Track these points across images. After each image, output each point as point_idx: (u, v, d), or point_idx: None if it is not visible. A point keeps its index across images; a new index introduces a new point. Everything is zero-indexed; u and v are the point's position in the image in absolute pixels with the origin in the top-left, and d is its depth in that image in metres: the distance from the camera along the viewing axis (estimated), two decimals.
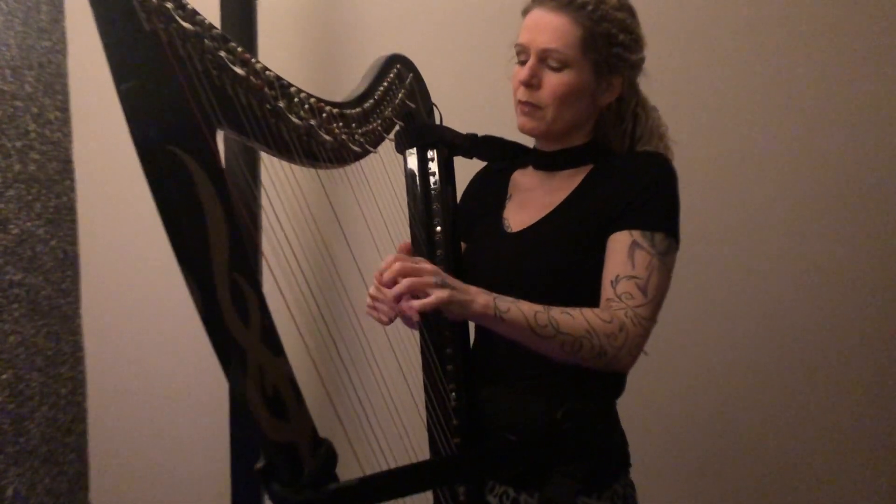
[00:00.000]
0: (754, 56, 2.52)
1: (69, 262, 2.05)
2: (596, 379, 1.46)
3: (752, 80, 2.52)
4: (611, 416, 1.61)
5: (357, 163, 1.40)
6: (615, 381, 1.57)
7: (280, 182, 1.36)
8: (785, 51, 2.52)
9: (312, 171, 1.38)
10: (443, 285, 1.29)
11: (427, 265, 1.31)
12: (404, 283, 1.27)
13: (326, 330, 1.32)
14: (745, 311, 2.60)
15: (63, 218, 2.05)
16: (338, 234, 1.57)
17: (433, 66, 2.52)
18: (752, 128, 2.53)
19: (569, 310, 1.38)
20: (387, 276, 1.28)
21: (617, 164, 1.56)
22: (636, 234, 1.44)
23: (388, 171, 1.56)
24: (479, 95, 2.22)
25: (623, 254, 1.44)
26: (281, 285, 1.28)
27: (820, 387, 2.59)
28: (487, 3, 2.36)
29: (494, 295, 1.35)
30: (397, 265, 1.27)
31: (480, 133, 1.70)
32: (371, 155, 1.47)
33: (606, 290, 1.44)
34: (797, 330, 2.57)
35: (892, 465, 2.62)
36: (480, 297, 1.33)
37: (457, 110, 1.89)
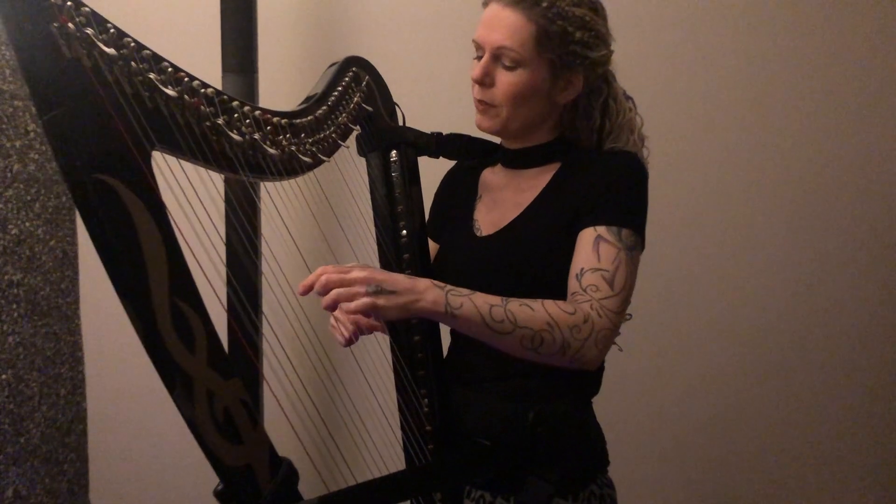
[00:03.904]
0: (750, 53, 2.49)
1: (68, 262, 2.04)
2: (569, 380, 1.45)
3: (749, 77, 2.49)
4: (585, 416, 1.59)
5: (315, 171, 1.39)
6: (590, 381, 1.56)
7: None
8: (780, 48, 2.48)
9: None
10: (376, 293, 1.25)
11: (357, 273, 1.26)
12: (330, 295, 1.24)
13: (282, 348, 1.30)
14: (740, 311, 2.58)
15: (62, 218, 2.04)
16: (290, 245, 1.55)
17: (433, 65, 2.50)
18: (750, 127, 2.50)
19: (529, 302, 1.34)
20: (316, 287, 1.25)
21: (584, 162, 1.53)
22: (601, 230, 1.42)
23: (347, 178, 1.55)
24: None
25: (588, 247, 1.41)
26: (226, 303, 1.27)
27: (816, 388, 2.57)
28: None
29: (448, 289, 1.31)
30: (323, 278, 1.24)
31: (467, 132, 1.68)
32: (338, 158, 1.46)
33: (571, 284, 1.41)
34: (793, 330, 2.55)
35: (890, 466, 2.58)
36: (429, 293, 1.29)
37: (460, 109, 1.87)
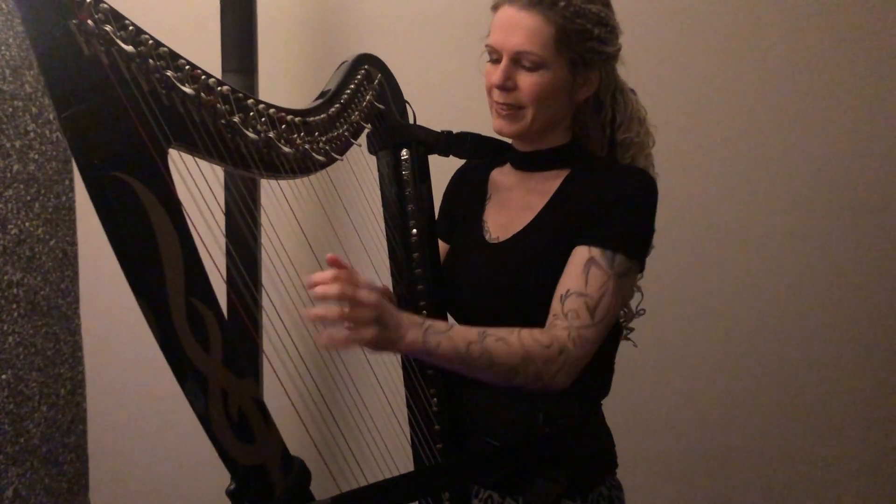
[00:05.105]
0: (751, 53, 2.49)
1: (68, 262, 2.04)
2: (578, 381, 1.44)
3: (751, 77, 2.49)
4: (595, 418, 1.59)
5: (326, 169, 1.39)
6: (599, 384, 1.56)
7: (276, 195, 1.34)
8: (782, 48, 2.48)
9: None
10: (376, 321, 1.21)
11: (367, 296, 1.20)
12: (339, 313, 1.18)
13: (294, 347, 1.29)
14: (749, 312, 2.57)
15: (62, 218, 2.04)
16: (302, 242, 1.55)
17: (435, 64, 2.50)
18: (754, 125, 2.50)
19: (505, 335, 1.33)
20: (326, 290, 1.18)
21: (595, 172, 1.53)
22: (595, 252, 1.40)
23: (359, 175, 1.54)
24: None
25: (578, 268, 1.40)
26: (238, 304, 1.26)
27: (818, 388, 2.57)
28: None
29: (426, 327, 1.28)
30: (336, 288, 1.17)
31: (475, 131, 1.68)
32: (349, 156, 1.46)
33: (555, 305, 1.40)
34: (801, 331, 2.55)
35: (892, 467, 2.58)
36: (409, 334, 1.25)
37: (462, 108, 1.86)
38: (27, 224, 1.88)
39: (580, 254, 1.44)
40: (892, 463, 2.60)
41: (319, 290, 1.19)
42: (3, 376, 1.80)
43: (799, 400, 2.61)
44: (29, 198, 1.88)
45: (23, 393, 1.87)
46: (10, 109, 1.84)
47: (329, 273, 1.20)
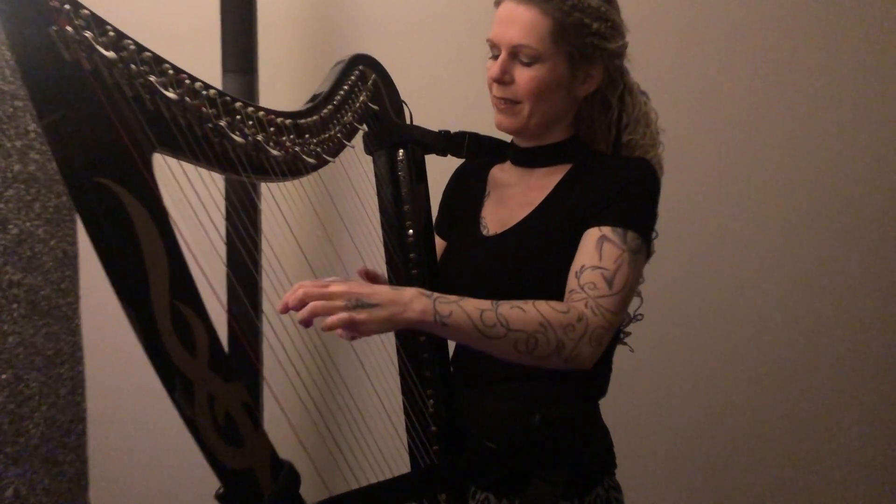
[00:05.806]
0: (754, 54, 2.48)
1: (69, 262, 2.04)
2: (575, 381, 1.43)
3: (754, 77, 2.48)
4: (592, 419, 1.58)
5: (321, 171, 1.38)
6: (596, 383, 1.55)
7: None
8: (784, 48, 2.47)
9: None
10: (356, 306, 1.20)
11: (336, 287, 1.20)
12: (307, 308, 1.18)
13: (283, 350, 1.29)
14: (748, 312, 2.57)
15: (63, 218, 2.04)
16: (293, 246, 1.54)
17: (435, 63, 2.50)
18: (753, 126, 2.50)
19: (520, 303, 1.29)
20: (292, 301, 1.19)
21: (596, 165, 1.52)
22: (606, 230, 1.39)
23: (353, 177, 1.54)
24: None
25: (591, 246, 1.39)
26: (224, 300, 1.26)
27: (823, 389, 2.57)
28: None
29: (436, 297, 1.26)
30: (300, 292, 1.19)
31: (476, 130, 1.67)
32: (343, 158, 1.45)
33: (570, 282, 1.38)
34: (801, 331, 2.55)
35: (892, 469, 2.58)
36: (416, 303, 1.24)
37: (462, 108, 1.86)
38: (28, 224, 1.88)
39: (591, 234, 1.43)
40: (893, 465, 2.59)
41: (292, 300, 1.21)
42: (3, 376, 1.81)
43: (798, 401, 2.61)
44: (29, 198, 1.88)
45: (23, 393, 1.87)
46: (11, 109, 1.84)
47: (289, 292, 1.22)
